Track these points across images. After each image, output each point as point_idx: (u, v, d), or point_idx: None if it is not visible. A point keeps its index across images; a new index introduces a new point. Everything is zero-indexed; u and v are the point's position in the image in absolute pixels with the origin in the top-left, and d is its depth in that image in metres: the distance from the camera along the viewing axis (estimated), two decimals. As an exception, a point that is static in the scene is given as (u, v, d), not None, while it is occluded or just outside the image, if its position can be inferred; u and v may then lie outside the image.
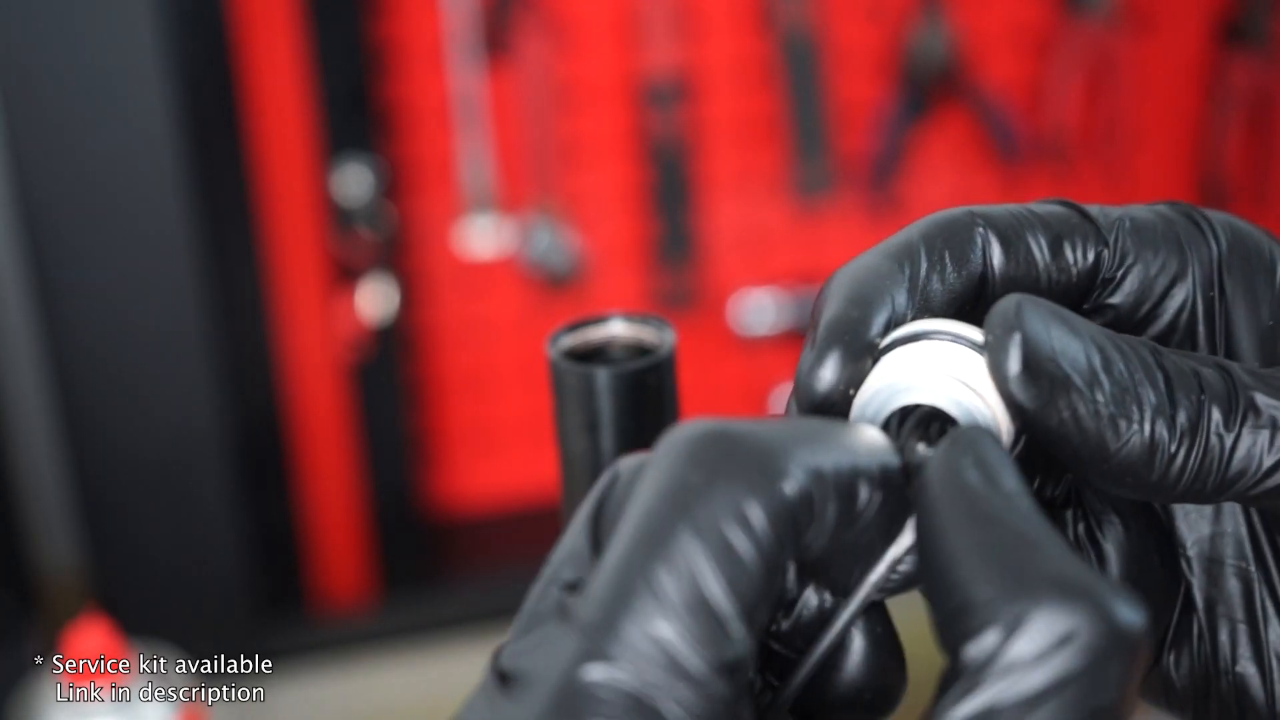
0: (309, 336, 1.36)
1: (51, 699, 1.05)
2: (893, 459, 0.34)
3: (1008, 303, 0.37)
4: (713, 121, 1.44)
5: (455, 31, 1.32)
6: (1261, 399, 0.36)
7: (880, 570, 0.34)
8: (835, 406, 0.38)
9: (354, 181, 1.34)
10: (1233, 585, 0.41)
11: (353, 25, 1.33)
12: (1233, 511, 0.41)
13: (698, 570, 0.30)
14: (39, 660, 1.16)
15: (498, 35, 1.35)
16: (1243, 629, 0.41)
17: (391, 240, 1.38)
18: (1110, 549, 0.41)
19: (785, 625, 0.36)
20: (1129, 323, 0.40)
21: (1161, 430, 0.36)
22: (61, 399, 1.27)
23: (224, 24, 1.26)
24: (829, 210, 1.48)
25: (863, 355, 0.38)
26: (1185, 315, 0.40)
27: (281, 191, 1.31)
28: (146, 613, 1.30)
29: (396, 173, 1.38)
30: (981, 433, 0.35)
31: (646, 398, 0.47)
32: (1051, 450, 0.37)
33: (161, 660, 1.11)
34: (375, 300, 1.38)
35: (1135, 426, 0.36)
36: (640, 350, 0.49)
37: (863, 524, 0.34)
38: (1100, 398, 0.36)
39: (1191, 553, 0.41)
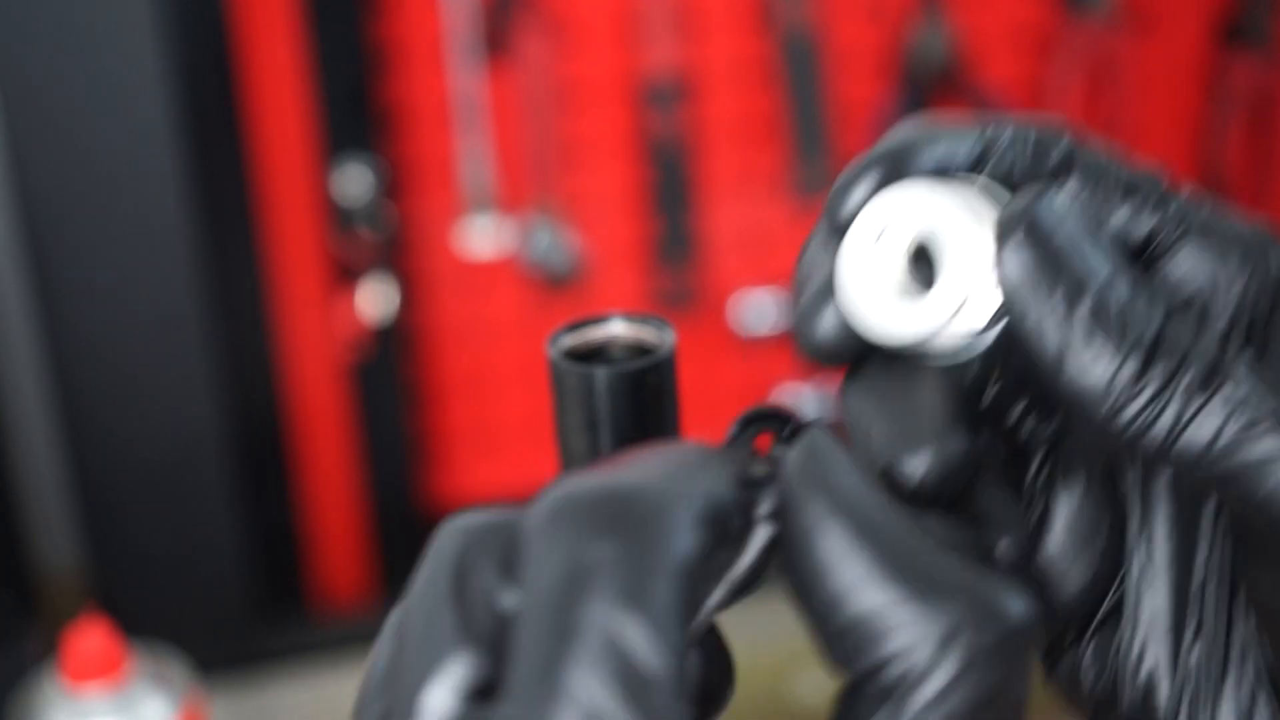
0: (309, 336, 1.36)
1: (52, 699, 1.05)
2: (741, 475, 0.33)
3: (1043, 184, 0.36)
4: (713, 121, 1.44)
5: (455, 31, 1.32)
6: (1243, 376, 0.35)
7: (721, 591, 0.33)
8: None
9: (354, 181, 1.34)
10: (1169, 592, 0.39)
11: (353, 25, 1.33)
12: (1206, 518, 0.39)
13: (634, 653, 0.28)
14: (39, 660, 1.17)
15: (498, 35, 1.35)
16: (1167, 639, 0.39)
17: (391, 240, 1.38)
18: (1059, 509, 0.40)
19: None
20: None
21: (1130, 368, 0.34)
22: (61, 399, 1.27)
23: (224, 24, 1.26)
24: (829, 210, 1.48)
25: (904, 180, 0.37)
26: (1222, 324, 0.38)
27: (281, 191, 1.31)
28: (146, 613, 1.30)
29: (396, 173, 1.38)
30: (827, 437, 0.33)
31: (646, 398, 0.47)
32: (1014, 343, 0.35)
33: (161, 660, 1.11)
34: (375, 300, 1.38)
35: (1106, 352, 0.34)
36: (640, 350, 0.49)
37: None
38: (1083, 308, 0.34)
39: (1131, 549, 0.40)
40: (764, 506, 0.33)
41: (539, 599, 0.29)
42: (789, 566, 0.32)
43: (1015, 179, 0.37)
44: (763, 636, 1.32)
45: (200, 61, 1.24)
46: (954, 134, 0.37)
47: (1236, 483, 0.35)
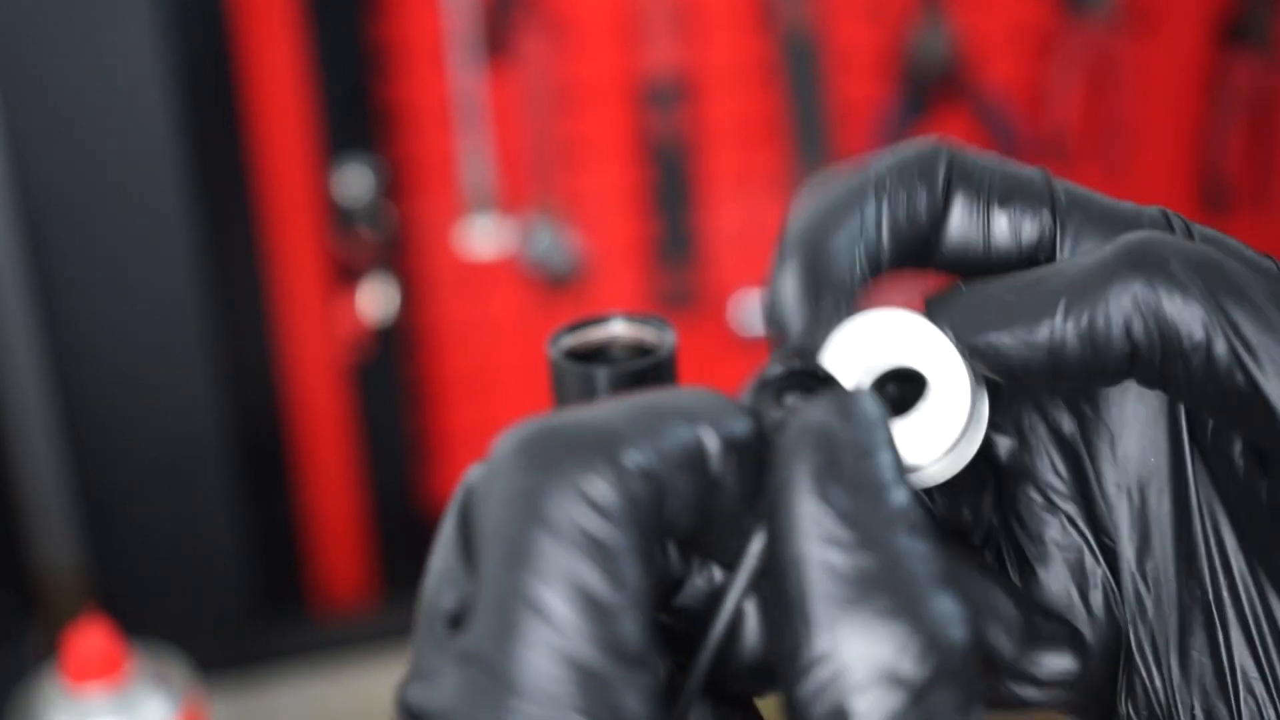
0: (309, 337, 1.36)
1: (52, 699, 1.05)
2: (741, 422, 0.32)
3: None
4: (713, 122, 1.44)
5: (455, 31, 1.32)
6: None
7: (759, 542, 0.32)
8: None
9: (354, 181, 1.34)
10: (1174, 602, 0.37)
11: (353, 25, 1.33)
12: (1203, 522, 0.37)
13: (570, 572, 0.29)
14: (40, 660, 1.17)
15: (498, 35, 1.35)
16: (1206, 662, 0.36)
17: (392, 240, 1.38)
18: (1046, 572, 0.38)
19: (678, 602, 0.34)
20: None
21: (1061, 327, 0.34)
22: (62, 400, 1.28)
23: (224, 24, 1.26)
24: (829, 210, 1.48)
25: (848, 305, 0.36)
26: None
27: (282, 191, 1.31)
28: (147, 613, 1.30)
29: (397, 173, 1.38)
30: (872, 406, 0.31)
31: (647, 398, 0.47)
32: (1012, 376, 0.35)
33: (161, 660, 1.11)
34: (376, 300, 1.38)
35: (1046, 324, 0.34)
36: (641, 350, 0.49)
37: (725, 493, 0.31)
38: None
39: (1133, 574, 0.38)
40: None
41: (487, 533, 0.30)
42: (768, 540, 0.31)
43: (914, 217, 0.37)
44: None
45: (200, 61, 1.24)
46: (848, 199, 0.36)
47: None
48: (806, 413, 0.31)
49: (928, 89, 1.45)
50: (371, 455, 1.43)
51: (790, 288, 0.36)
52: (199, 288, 1.26)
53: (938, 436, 0.35)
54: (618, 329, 0.49)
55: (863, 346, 0.36)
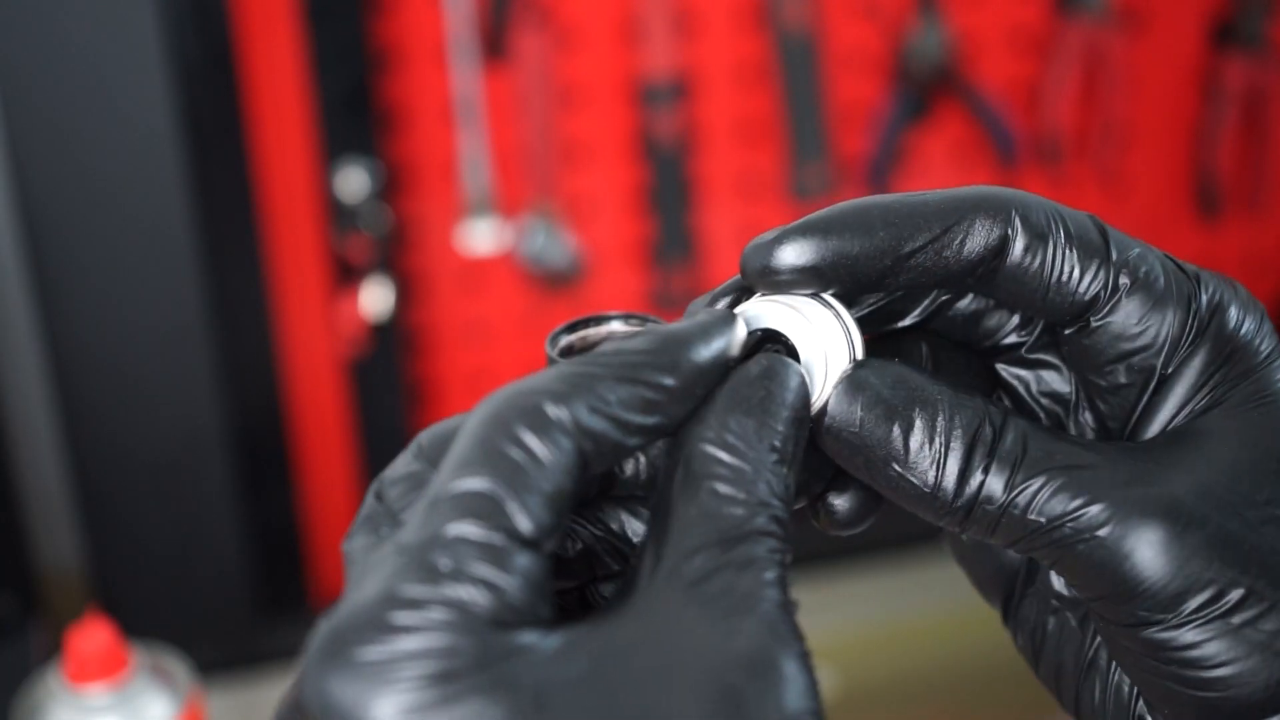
0: (309, 337, 1.36)
1: (55, 698, 1.05)
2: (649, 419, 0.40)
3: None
4: (711, 121, 1.44)
5: (455, 31, 1.32)
6: (1049, 471, 0.41)
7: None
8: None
9: (354, 181, 1.34)
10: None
11: (353, 25, 1.33)
12: None
13: (480, 475, 0.37)
14: (42, 660, 1.17)
15: (497, 35, 1.35)
16: (1071, 633, 0.45)
17: (392, 240, 1.38)
18: None
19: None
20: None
21: (948, 484, 0.41)
22: (63, 399, 1.28)
23: (224, 24, 1.26)
24: (827, 210, 1.48)
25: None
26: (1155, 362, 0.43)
27: (282, 192, 1.32)
28: (148, 613, 1.30)
29: (396, 173, 1.38)
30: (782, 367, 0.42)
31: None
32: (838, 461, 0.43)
33: (163, 660, 1.11)
34: (375, 300, 1.38)
35: (919, 474, 0.41)
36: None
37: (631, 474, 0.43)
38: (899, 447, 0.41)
39: None
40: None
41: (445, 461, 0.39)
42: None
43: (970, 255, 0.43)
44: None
45: (200, 62, 1.25)
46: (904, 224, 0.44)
47: (1050, 550, 0.41)
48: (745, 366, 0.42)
49: (924, 89, 1.45)
50: (371, 455, 1.43)
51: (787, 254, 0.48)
52: (198, 288, 1.26)
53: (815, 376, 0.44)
54: (615, 328, 0.49)
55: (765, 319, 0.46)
